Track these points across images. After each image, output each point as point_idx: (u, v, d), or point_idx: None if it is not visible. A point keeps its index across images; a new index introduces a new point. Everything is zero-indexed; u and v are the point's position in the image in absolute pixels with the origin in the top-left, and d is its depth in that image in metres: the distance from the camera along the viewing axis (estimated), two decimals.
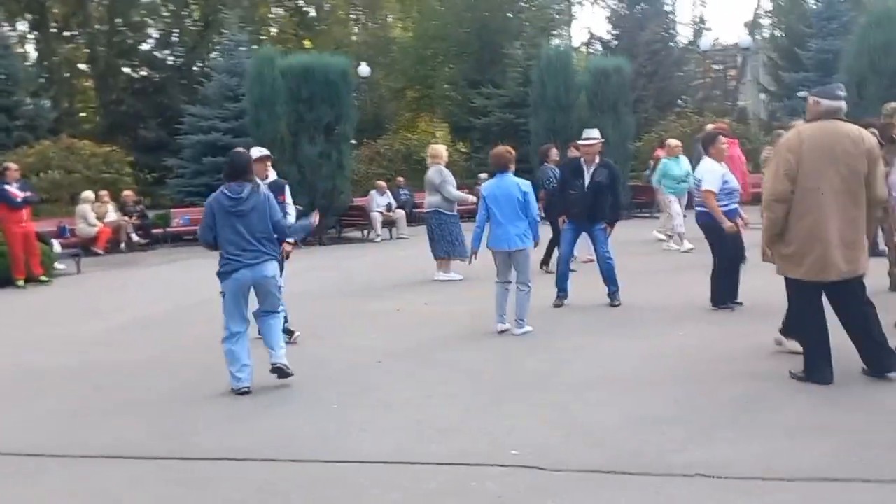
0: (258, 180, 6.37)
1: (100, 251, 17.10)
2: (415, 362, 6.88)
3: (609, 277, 8.79)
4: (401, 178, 21.70)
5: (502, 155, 7.74)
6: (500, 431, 4.95)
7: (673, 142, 13.88)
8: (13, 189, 13.09)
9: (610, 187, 8.67)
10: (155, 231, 18.80)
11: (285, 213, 7.17)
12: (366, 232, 19.33)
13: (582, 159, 8.84)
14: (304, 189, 17.78)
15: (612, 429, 4.89)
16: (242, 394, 5.99)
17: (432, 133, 26.26)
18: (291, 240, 7.39)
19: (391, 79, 36.18)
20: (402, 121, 32.03)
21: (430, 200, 11.48)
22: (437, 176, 11.30)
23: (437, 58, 33.08)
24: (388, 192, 19.69)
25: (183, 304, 10.65)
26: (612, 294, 8.80)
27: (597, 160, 8.71)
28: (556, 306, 8.82)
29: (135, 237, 18.22)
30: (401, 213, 19.29)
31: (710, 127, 12.33)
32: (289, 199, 7.83)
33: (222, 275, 6.04)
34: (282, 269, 7.00)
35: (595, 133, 8.93)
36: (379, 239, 18.63)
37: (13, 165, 13.49)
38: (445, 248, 11.33)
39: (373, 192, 19.45)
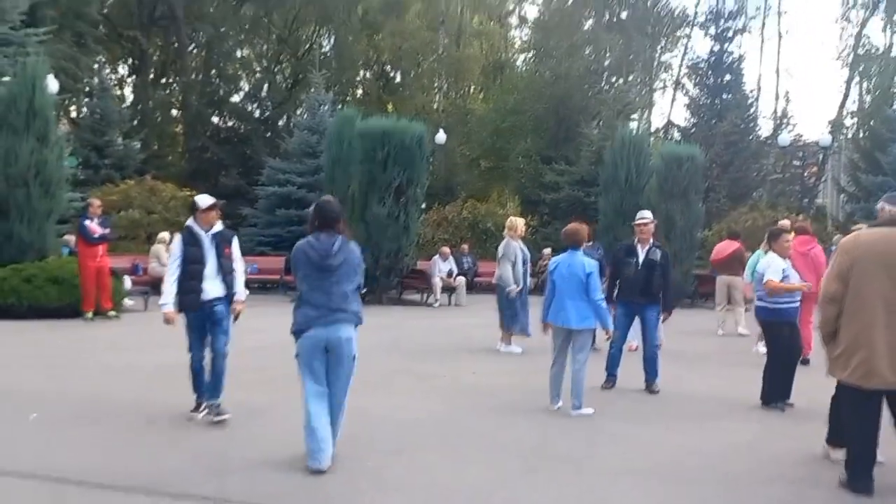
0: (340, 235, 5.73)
1: None
2: (454, 429, 6.93)
3: (650, 365, 8.72)
4: (465, 246, 21.93)
5: (576, 232, 7.79)
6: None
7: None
8: (93, 225, 13.71)
9: (663, 268, 8.66)
10: None
11: (232, 269, 6.77)
12: (425, 296, 19.55)
13: (636, 239, 8.90)
14: (369, 248, 18.16)
15: None
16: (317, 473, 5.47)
17: (502, 204, 26.45)
18: (243, 297, 6.86)
19: (466, 147, 36.81)
20: (473, 189, 32.41)
21: (497, 272, 11.59)
22: (501, 249, 11.46)
23: (513, 131, 33.58)
24: (451, 258, 19.90)
25: (245, 348, 10.91)
26: (653, 381, 8.71)
27: (650, 241, 8.77)
28: (604, 388, 8.78)
29: None
30: (461, 280, 19.45)
31: (782, 223, 12.23)
32: (236, 252, 6.90)
33: (298, 333, 5.57)
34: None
35: (648, 214, 9.02)
36: (437, 304, 18.79)
37: (96, 201, 14.17)
38: (507, 321, 11.40)
39: (436, 257, 19.70)
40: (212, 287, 6.64)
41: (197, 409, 6.89)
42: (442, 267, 19.38)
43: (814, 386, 7.95)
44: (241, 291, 6.81)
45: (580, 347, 7.60)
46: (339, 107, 22.99)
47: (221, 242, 6.70)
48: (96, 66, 28.02)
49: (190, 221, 6.74)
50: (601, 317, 7.55)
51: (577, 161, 26.70)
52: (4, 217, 14.18)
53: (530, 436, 6.80)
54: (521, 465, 5.87)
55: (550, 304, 7.75)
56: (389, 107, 37.56)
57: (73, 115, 29.40)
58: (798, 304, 8.24)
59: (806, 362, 10.52)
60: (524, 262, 11.45)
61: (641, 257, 8.69)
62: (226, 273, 6.71)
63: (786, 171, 31.62)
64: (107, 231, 13.86)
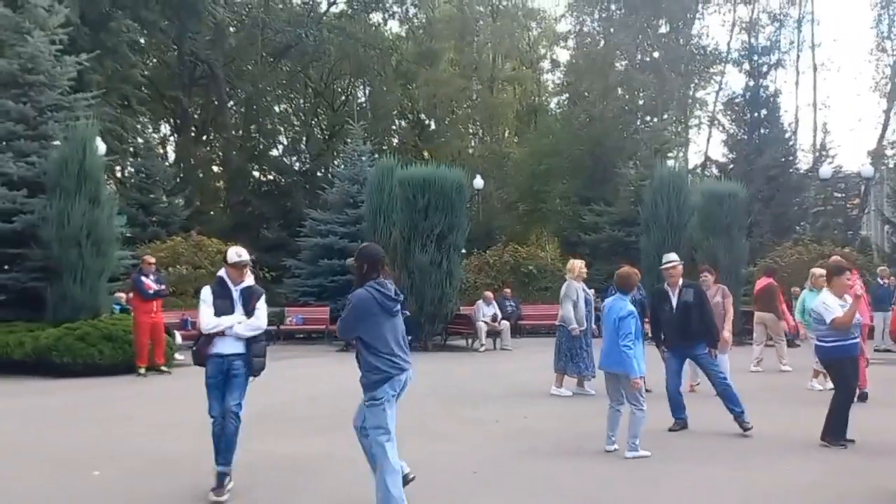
0: None
1: None
2: (512, 475, 6.88)
3: (730, 399, 8.51)
4: (507, 290, 21.92)
5: (628, 277, 7.80)
6: None
7: (818, 271, 12.84)
8: (148, 281, 13.99)
9: (698, 306, 8.59)
10: (269, 328, 19.46)
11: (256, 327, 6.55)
12: (470, 341, 19.53)
13: (665, 284, 8.89)
14: (413, 295, 18.25)
15: None
16: None
17: (542, 247, 26.48)
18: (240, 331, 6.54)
19: (504, 192, 37.02)
20: (512, 233, 32.51)
21: (559, 314, 11.60)
22: (562, 290, 11.51)
23: (550, 173, 33.73)
24: (494, 302, 19.89)
25: (297, 398, 11.02)
26: (739, 416, 8.48)
27: (680, 282, 8.76)
28: (672, 430, 8.62)
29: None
30: (506, 324, 19.41)
31: (834, 258, 12.02)
32: (261, 310, 6.58)
33: (385, 380, 5.55)
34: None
35: (674, 257, 9.02)
36: (483, 349, 18.74)
37: (150, 258, 14.49)
38: (564, 363, 11.38)
39: (479, 301, 19.70)
40: (233, 342, 6.46)
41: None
42: (486, 311, 19.36)
43: (876, 421, 7.81)
44: (241, 330, 6.44)
45: (632, 391, 7.53)
46: (377, 157, 23.25)
47: (249, 298, 6.54)
48: (139, 126, 28.74)
49: (222, 272, 6.66)
50: (624, 362, 7.40)
51: (615, 201, 26.69)
52: (58, 278, 14.49)
53: (590, 480, 6.74)
54: None
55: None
56: (426, 154, 37.99)
57: (119, 174, 30.14)
58: (858, 339, 8.12)
59: (864, 397, 10.35)
60: (586, 304, 11.43)
61: (675, 300, 8.67)
62: (252, 325, 6.52)
63: (827, 204, 31.24)
64: (162, 287, 14.12)
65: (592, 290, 21.96)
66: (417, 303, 18.27)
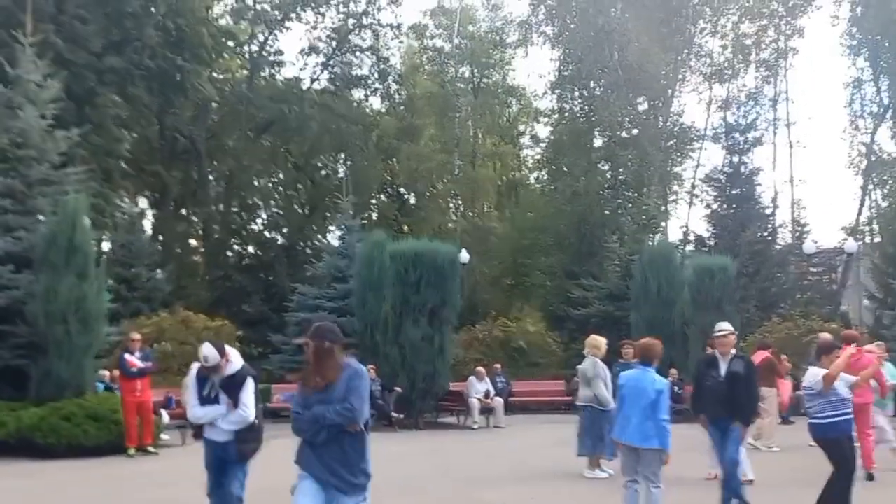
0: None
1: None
2: None
3: (728, 484, 8.19)
4: (497, 365, 21.61)
5: (651, 348, 7.58)
6: None
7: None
8: (132, 359, 13.57)
9: (747, 379, 8.32)
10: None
11: (242, 417, 6.30)
12: (462, 418, 19.14)
13: (717, 352, 8.62)
14: (404, 371, 17.97)
15: None
16: None
17: (532, 322, 26.26)
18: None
19: (486, 266, 36.94)
20: (496, 307, 32.32)
21: (583, 394, 11.24)
22: (590, 369, 11.07)
23: (534, 248, 33.78)
24: (486, 378, 19.58)
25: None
26: (725, 501, 8.14)
27: (732, 352, 8.48)
28: None
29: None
30: (499, 401, 19.07)
31: (824, 336, 11.91)
32: (248, 396, 6.34)
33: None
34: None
35: (727, 326, 8.69)
36: (476, 426, 18.35)
37: (137, 336, 14.11)
38: (593, 443, 10.97)
39: (472, 377, 19.37)
40: (220, 430, 6.28)
41: None
42: (478, 387, 19.02)
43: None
44: (225, 425, 6.24)
45: (648, 465, 7.30)
46: (365, 230, 23.16)
47: (232, 388, 6.24)
48: (121, 200, 28.49)
49: (194, 367, 6.51)
50: (662, 438, 7.21)
51: (602, 275, 26.70)
52: (43, 355, 14.02)
53: None
54: None
55: (618, 421, 7.53)
56: (405, 228, 37.98)
57: (101, 248, 29.68)
58: (851, 415, 7.96)
59: (871, 478, 10.12)
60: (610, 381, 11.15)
61: (724, 369, 8.40)
62: (235, 418, 6.27)
63: (804, 279, 31.49)
64: (147, 364, 13.68)
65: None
66: (409, 379, 17.98)
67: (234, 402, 6.22)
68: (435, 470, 11.89)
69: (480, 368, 19.94)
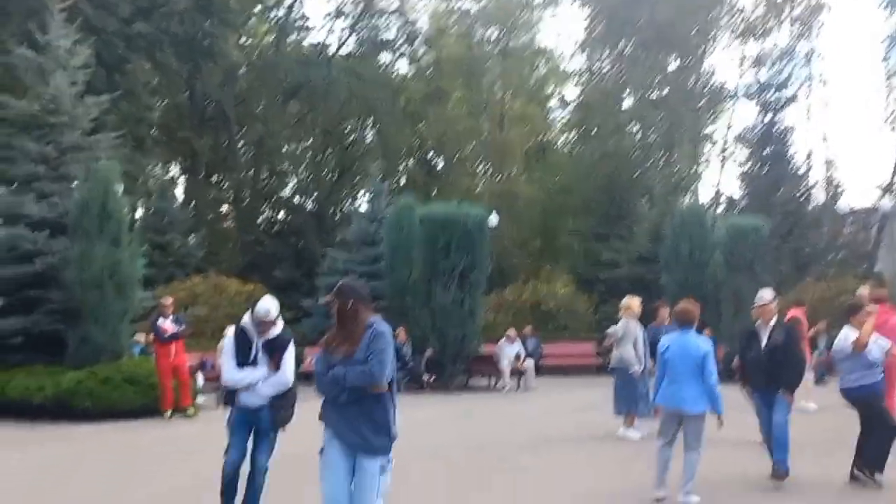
0: None
1: None
2: None
3: (779, 443, 8.04)
4: (528, 328, 21.61)
5: (689, 311, 7.51)
6: None
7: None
8: (165, 324, 13.76)
9: (788, 349, 8.14)
10: None
11: (281, 381, 6.30)
12: (493, 381, 19.22)
13: (758, 322, 8.48)
14: (435, 334, 18.03)
15: None
16: None
17: (564, 284, 26.18)
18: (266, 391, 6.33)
19: (514, 229, 36.80)
20: (525, 271, 32.24)
21: (615, 354, 11.28)
22: (620, 330, 11.13)
23: (563, 211, 33.57)
24: (517, 341, 19.59)
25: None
26: (778, 463, 8.02)
27: (772, 322, 8.31)
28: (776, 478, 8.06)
29: None
30: (530, 363, 19.10)
31: (861, 292, 11.77)
32: (289, 362, 6.38)
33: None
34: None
35: (768, 295, 8.52)
36: (507, 389, 18.41)
37: (168, 300, 14.26)
38: (627, 404, 11.00)
39: (502, 340, 19.40)
40: (255, 395, 6.18)
41: None
42: (509, 350, 19.05)
43: None
44: (264, 389, 6.18)
45: (694, 431, 7.25)
46: (395, 195, 23.13)
47: (274, 351, 6.20)
48: (153, 167, 28.74)
49: (245, 320, 6.31)
50: (714, 401, 7.20)
51: (632, 238, 26.49)
52: (79, 320, 14.24)
53: None
54: None
55: (661, 386, 7.47)
56: (433, 193, 37.86)
57: (135, 215, 29.95)
58: (882, 377, 7.87)
59: None
60: (644, 343, 11.09)
61: (764, 340, 8.26)
62: (275, 382, 6.23)
63: (837, 239, 31.03)
64: (180, 328, 13.85)
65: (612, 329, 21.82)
66: (440, 343, 18.06)
67: (276, 365, 6.18)
68: (466, 432, 11.94)
69: (511, 331, 19.94)
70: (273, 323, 6.23)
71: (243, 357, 6.20)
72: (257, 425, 6.23)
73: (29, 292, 14.72)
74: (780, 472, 8.02)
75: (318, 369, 4.89)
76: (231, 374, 6.20)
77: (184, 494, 8.10)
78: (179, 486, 8.56)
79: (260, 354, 6.20)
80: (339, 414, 4.75)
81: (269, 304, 6.19)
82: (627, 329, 11.04)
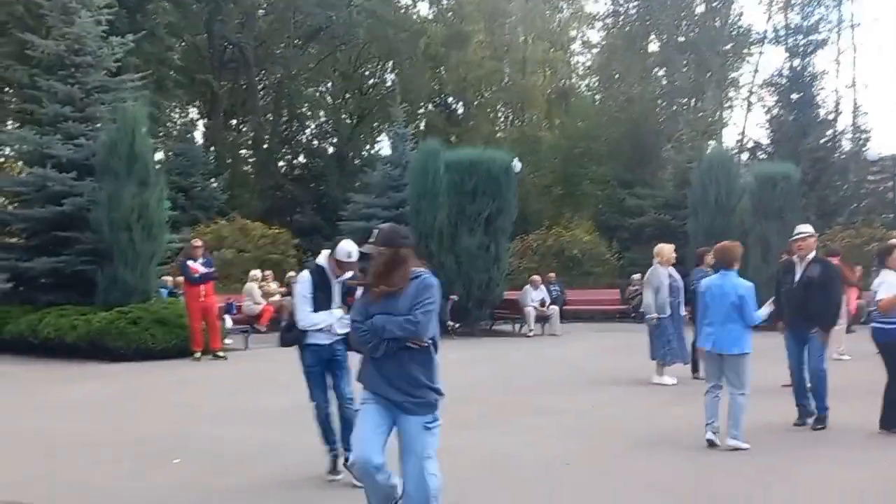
0: None
1: (262, 328, 17.64)
2: (601, 468, 6.54)
3: (818, 392, 8.00)
4: (552, 274, 21.58)
5: (729, 250, 7.35)
6: None
7: None
8: (195, 265, 13.78)
9: (823, 285, 7.98)
10: None
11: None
12: (517, 326, 19.24)
13: (795, 257, 8.31)
14: (460, 280, 17.98)
15: None
16: None
17: (587, 230, 26.09)
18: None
19: (537, 176, 36.55)
20: (547, 217, 32.09)
21: (645, 300, 11.20)
22: (647, 275, 11.08)
23: (586, 157, 33.27)
24: (542, 286, 19.56)
25: None
26: (819, 411, 8.00)
27: (810, 257, 8.13)
28: (797, 424, 8.07)
29: None
30: (555, 309, 19.10)
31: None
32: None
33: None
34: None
35: (807, 228, 8.36)
36: (532, 334, 18.45)
37: (199, 243, 14.28)
38: (660, 350, 10.94)
39: (527, 286, 19.38)
40: (327, 334, 6.05)
41: (334, 468, 6.23)
42: (534, 296, 19.03)
43: None
44: (339, 328, 6.00)
45: (736, 373, 7.17)
46: (418, 139, 22.92)
47: (348, 291, 6.07)
48: (175, 109, 28.58)
49: (322, 260, 6.16)
50: (744, 341, 7.10)
51: (656, 184, 26.26)
52: (109, 261, 14.31)
53: (685, 475, 6.37)
54: None
55: (702, 329, 7.40)
56: (453, 138, 37.56)
57: (158, 157, 29.92)
58: None
59: None
60: (675, 290, 10.96)
61: (799, 274, 8.12)
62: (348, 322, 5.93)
63: (863, 187, 30.66)
64: (210, 270, 13.88)
65: (639, 275, 21.71)
66: (465, 287, 18.02)
67: (348, 307, 6.00)
68: (494, 377, 11.95)
69: (536, 277, 19.93)
70: (352, 265, 6.10)
71: (321, 296, 6.04)
72: (332, 359, 6.07)
73: (58, 233, 14.78)
74: (819, 423, 7.95)
75: (354, 318, 4.50)
76: (307, 317, 5.97)
77: (231, 418, 8.19)
78: (225, 411, 8.66)
79: (336, 294, 6.10)
80: (378, 370, 4.38)
81: (350, 247, 6.10)
82: (651, 275, 10.96)
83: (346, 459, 6.03)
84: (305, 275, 6.14)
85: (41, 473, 6.42)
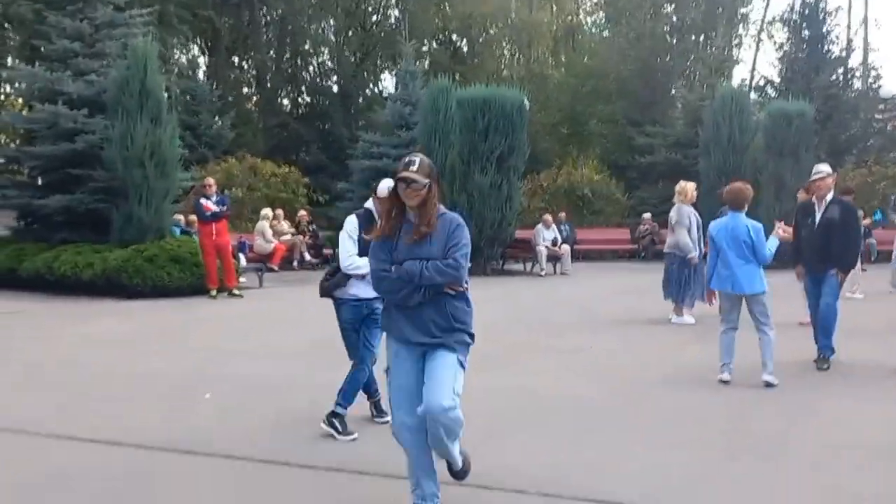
0: None
1: (274, 267, 17.69)
2: (627, 406, 6.56)
3: (825, 329, 8.00)
4: (562, 214, 21.54)
5: (740, 191, 7.33)
6: (759, 491, 4.57)
7: None
8: (208, 203, 13.73)
9: (842, 225, 7.94)
10: (325, 252, 19.37)
11: None
12: (528, 265, 19.27)
13: (814, 197, 8.26)
14: (472, 219, 17.93)
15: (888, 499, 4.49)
16: None
17: (596, 169, 25.93)
18: None
19: (545, 115, 36.19)
20: (555, 156, 31.87)
21: (668, 240, 11.12)
22: (674, 215, 10.89)
23: (594, 95, 32.88)
24: (554, 226, 19.55)
25: None
26: (822, 350, 7.99)
27: (828, 198, 8.07)
28: (820, 363, 8.02)
29: (307, 256, 18.80)
30: (566, 248, 19.12)
31: None
32: None
33: None
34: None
35: (825, 168, 8.27)
36: (543, 273, 18.49)
37: (212, 181, 14.20)
38: (676, 291, 10.93)
39: (539, 225, 19.37)
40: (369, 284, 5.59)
41: (379, 412, 6.08)
42: (546, 235, 19.04)
43: None
44: None
45: (758, 311, 7.20)
46: (427, 77, 22.64)
47: None
48: (180, 45, 28.14)
49: (370, 204, 5.79)
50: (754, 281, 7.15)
51: (666, 123, 26.01)
52: (123, 199, 14.28)
53: (716, 409, 6.43)
54: (719, 445, 5.47)
55: (715, 270, 7.40)
56: (458, 76, 37.07)
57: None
58: None
59: None
60: (697, 228, 10.92)
61: (818, 216, 8.06)
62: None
63: (871, 125, 30.37)
64: (222, 208, 13.80)
65: (649, 214, 21.66)
66: (477, 226, 17.97)
67: None
68: (509, 317, 11.88)
69: (547, 216, 19.90)
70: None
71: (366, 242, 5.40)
72: (371, 316, 5.69)
73: (71, 171, 14.71)
74: (824, 357, 7.98)
75: (378, 266, 4.01)
76: (350, 259, 5.60)
77: (254, 356, 8.24)
78: (248, 349, 8.71)
79: None
80: (408, 318, 3.97)
81: (390, 183, 5.84)
82: (681, 214, 10.85)
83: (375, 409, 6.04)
84: (352, 217, 5.81)
85: (76, 407, 6.49)
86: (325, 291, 5.91)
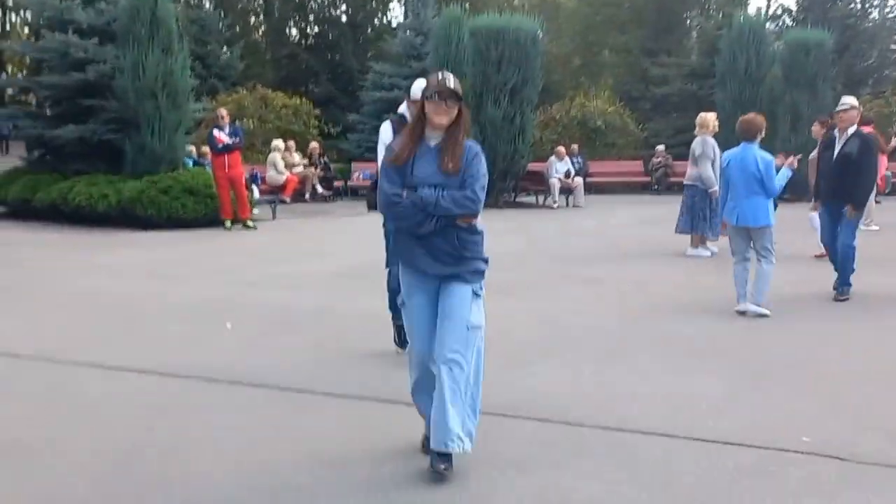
0: None
1: (286, 199, 17.69)
2: (651, 333, 6.60)
3: (843, 268, 7.96)
4: (575, 146, 21.37)
5: (752, 122, 7.25)
6: (777, 415, 4.63)
7: None
8: (220, 134, 13.66)
9: (858, 161, 7.83)
10: (336, 184, 19.35)
11: None
12: (541, 197, 19.22)
13: (836, 130, 8.16)
14: (484, 151, 17.78)
15: None
16: None
17: (610, 101, 25.55)
18: None
19: (556, 45, 35.62)
20: (567, 87, 31.46)
21: (689, 172, 10.98)
22: (698, 147, 10.71)
23: (608, 24, 32.33)
24: (566, 158, 19.42)
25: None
26: (841, 286, 7.95)
27: (850, 131, 7.94)
28: (839, 299, 7.95)
29: (319, 188, 18.78)
30: (579, 180, 19.03)
31: None
32: None
33: None
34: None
35: (851, 100, 8.13)
36: (556, 205, 18.45)
37: (224, 112, 14.10)
38: (692, 223, 10.85)
39: (552, 157, 19.25)
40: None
41: (401, 341, 5.94)
42: (559, 167, 18.94)
43: None
44: None
45: (761, 243, 7.22)
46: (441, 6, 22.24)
47: None
48: None
49: (403, 109, 5.69)
50: (763, 213, 7.13)
51: (681, 53, 25.59)
52: (136, 130, 14.22)
53: (736, 339, 6.46)
54: (744, 371, 5.50)
55: (725, 202, 7.39)
56: (467, 6, 36.39)
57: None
58: None
59: None
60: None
61: (837, 148, 7.98)
62: None
63: (889, 56, 29.81)
64: (234, 140, 13.73)
65: (663, 146, 21.46)
66: (489, 158, 17.80)
67: None
68: (523, 249, 11.88)
69: (561, 148, 19.74)
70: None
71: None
72: None
73: (83, 101, 14.60)
74: (842, 290, 7.96)
75: (390, 191, 3.77)
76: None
77: (272, 284, 8.26)
78: (265, 277, 8.80)
79: None
80: (420, 246, 3.80)
81: (421, 83, 5.72)
82: (705, 146, 10.70)
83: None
84: (386, 124, 5.72)
85: (101, 336, 6.57)
86: (372, 200, 5.82)
